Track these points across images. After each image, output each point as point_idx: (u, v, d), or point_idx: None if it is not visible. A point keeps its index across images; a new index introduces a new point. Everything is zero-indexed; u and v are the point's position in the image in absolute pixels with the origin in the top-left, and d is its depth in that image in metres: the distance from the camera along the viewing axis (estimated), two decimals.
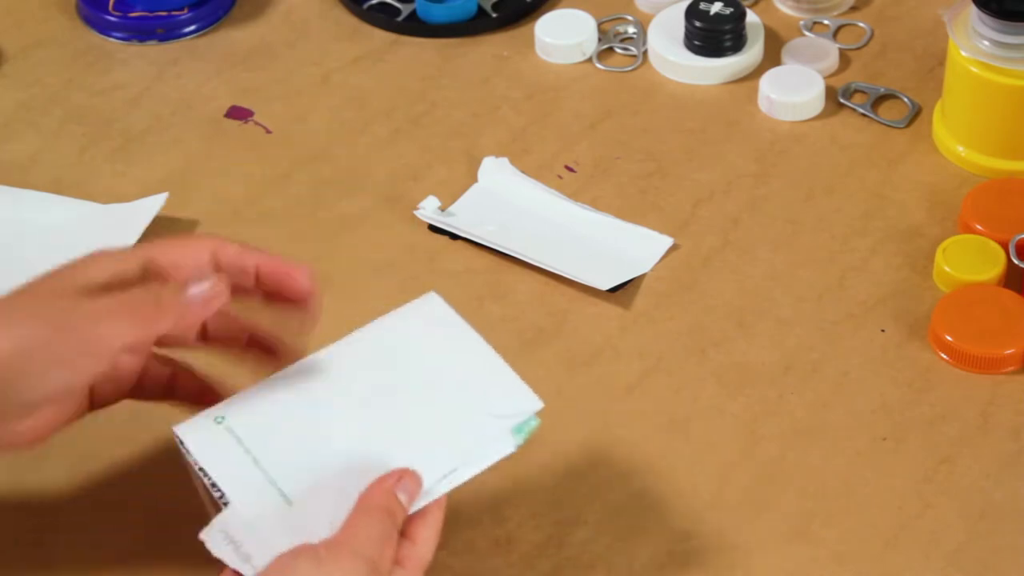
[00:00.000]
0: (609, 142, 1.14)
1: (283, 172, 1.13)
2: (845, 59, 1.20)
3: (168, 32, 1.24)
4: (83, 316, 0.81)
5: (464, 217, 1.09)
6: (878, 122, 1.15)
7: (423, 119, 1.17)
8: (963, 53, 1.08)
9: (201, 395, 0.88)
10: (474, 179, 1.12)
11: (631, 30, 1.23)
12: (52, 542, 0.91)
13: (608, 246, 1.07)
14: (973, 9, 1.06)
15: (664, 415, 0.97)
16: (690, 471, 0.94)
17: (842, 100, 1.16)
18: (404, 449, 0.83)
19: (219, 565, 0.80)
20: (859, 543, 0.90)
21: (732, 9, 1.18)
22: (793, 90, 1.15)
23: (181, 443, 0.84)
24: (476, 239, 1.07)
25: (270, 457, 0.83)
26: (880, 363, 0.99)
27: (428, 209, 1.09)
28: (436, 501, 0.82)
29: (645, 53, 1.21)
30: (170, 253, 0.85)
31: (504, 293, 1.04)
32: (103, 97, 1.20)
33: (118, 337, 0.81)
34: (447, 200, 1.10)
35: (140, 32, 1.24)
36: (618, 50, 1.22)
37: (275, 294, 0.87)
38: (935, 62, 1.18)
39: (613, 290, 1.03)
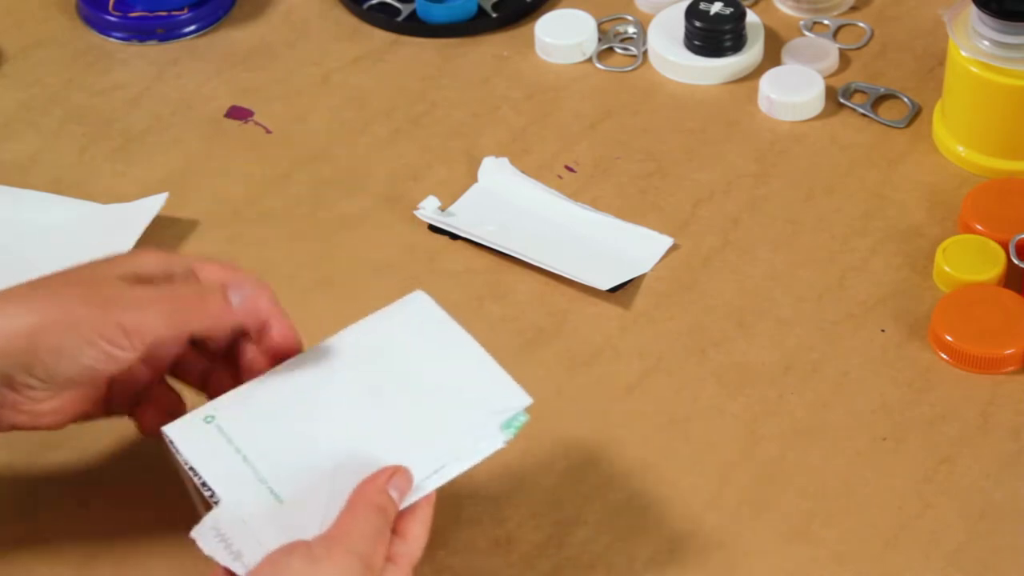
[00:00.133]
0: (609, 142, 1.14)
1: (283, 172, 1.13)
2: (845, 59, 1.20)
3: (168, 32, 1.24)
4: (123, 302, 0.82)
5: (464, 217, 1.09)
6: (878, 122, 1.15)
7: (423, 119, 1.17)
8: (963, 53, 1.08)
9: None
10: (474, 179, 1.12)
11: (631, 30, 1.23)
12: (41, 540, 0.91)
13: (608, 246, 1.07)
14: (973, 9, 1.06)
15: (664, 415, 0.97)
16: (690, 471, 0.94)
17: (842, 100, 1.16)
18: (394, 446, 0.84)
19: (211, 564, 0.80)
20: (859, 543, 0.90)
21: (732, 9, 1.18)
22: (793, 90, 1.15)
23: (171, 443, 0.84)
24: (476, 239, 1.07)
25: (260, 455, 0.83)
26: (880, 363, 0.99)
27: (428, 209, 1.09)
28: (426, 497, 0.83)
29: (645, 53, 1.21)
30: (210, 263, 0.87)
31: (504, 293, 1.04)
32: (103, 97, 1.20)
33: (153, 328, 0.82)
34: (447, 200, 1.10)
35: (140, 32, 1.24)
36: (618, 50, 1.22)
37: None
38: (935, 62, 1.18)
39: (613, 290, 1.03)
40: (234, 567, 0.80)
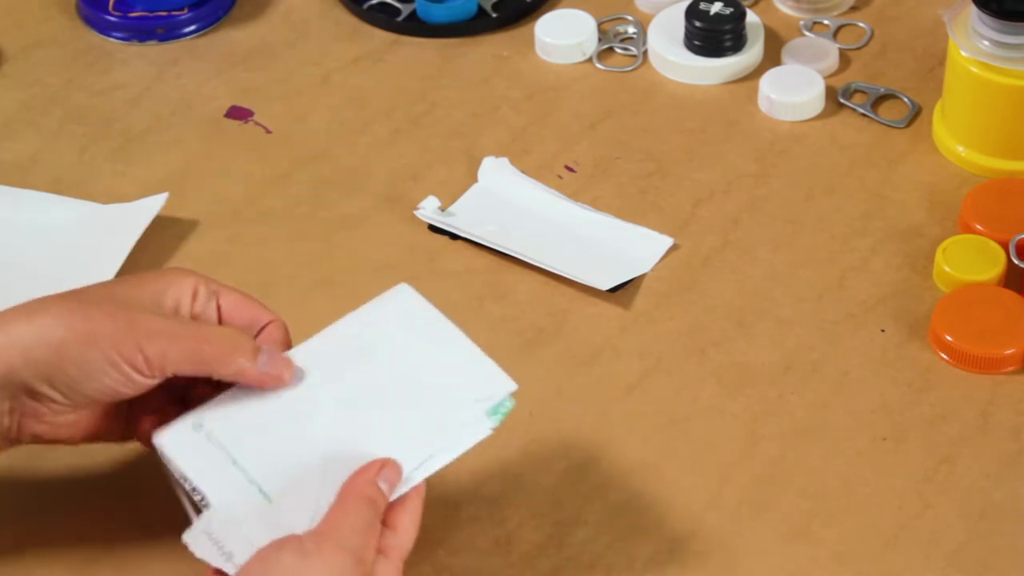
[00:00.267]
0: (609, 142, 1.14)
1: (283, 172, 1.13)
2: (845, 59, 1.20)
3: (168, 32, 1.24)
4: (149, 330, 0.83)
5: (464, 217, 1.09)
6: (878, 122, 1.15)
7: (423, 119, 1.17)
8: (963, 53, 1.08)
9: None
10: (474, 179, 1.12)
11: (631, 30, 1.23)
12: (41, 541, 0.91)
13: (608, 246, 1.07)
14: (973, 9, 1.06)
15: (664, 415, 0.97)
16: (690, 471, 0.94)
17: (842, 100, 1.16)
18: (381, 438, 0.84)
19: (204, 568, 0.80)
20: (859, 543, 0.90)
21: (732, 9, 1.18)
22: (793, 90, 1.15)
23: (161, 451, 0.84)
24: (476, 239, 1.07)
25: (249, 457, 0.83)
26: (880, 363, 0.99)
27: (428, 209, 1.09)
28: (415, 489, 0.83)
29: (645, 53, 1.21)
30: (233, 293, 0.88)
31: (504, 293, 1.04)
32: (103, 97, 1.20)
33: (173, 363, 0.84)
34: (447, 200, 1.10)
35: (140, 32, 1.24)
36: (618, 50, 1.22)
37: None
38: (935, 62, 1.18)
39: (613, 290, 1.03)
40: (226, 568, 0.80)
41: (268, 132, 1.16)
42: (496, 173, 1.12)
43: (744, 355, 1.00)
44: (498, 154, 1.13)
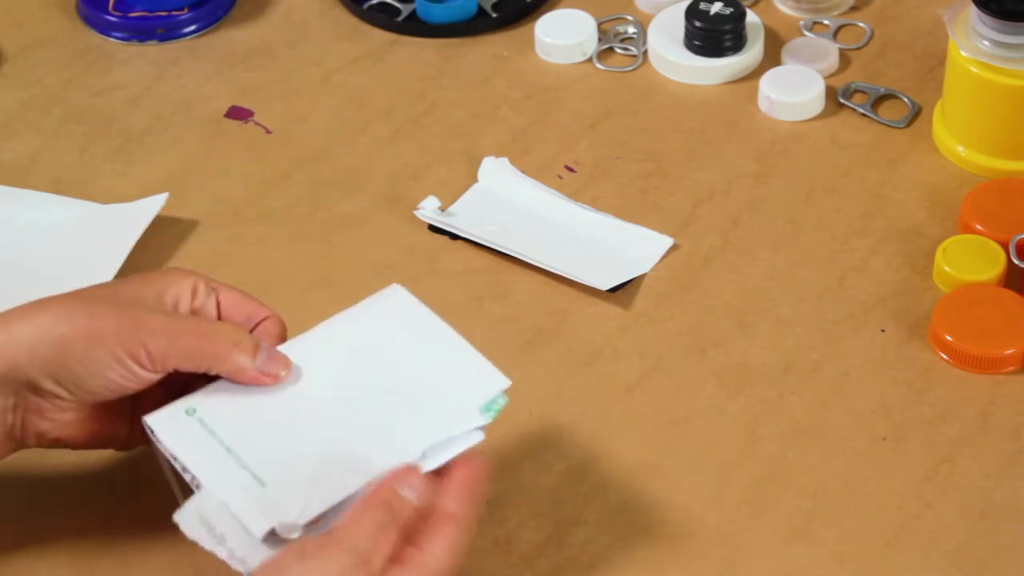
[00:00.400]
0: (609, 142, 1.14)
1: (283, 172, 1.13)
2: (845, 59, 1.20)
3: (168, 32, 1.24)
4: (152, 326, 0.84)
5: (464, 217, 1.09)
6: (878, 122, 1.15)
7: (423, 119, 1.17)
8: (963, 53, 1.08)
9: None
10: (474, 179, 1.12)
11: (631, 30, 1.23)
12: (41, 540, 0.91)
13: (608, 246, 1.07)
14: (973, 9, 1.06)
15: (664, 415, 0.97)
16: (690, 471, 0.94)
17: (842, 100, 1.16)
18: (374, 432, 0.84)
19: (208, 558, 0.80)
20: (859, 543, 0.90)
21: (732, 9, 1.18)
22: (793, 90, 1.15)
23: (152, 432, 0.84)
24: (476, 239, 1.07)
25: (242, 444, 0.84)
26: (880, 363, 0.99)
27: (428, 209, 1.09)
28: (451, 518, 0.81)
29: (645, 53, 1.21)
30: (232, 291, 0.89)
31: (504, 293, 1.04)
32: (103, 97, 1.20)
33: (175, 359, 0.84)
34: (447, 200, 1.10)
35: (140, 32, 1.24)
36: (618, 50, 1.22)
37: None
38: (935, 62, 1.18)
39: (613, 290, 1.03)
40: (218, 551, 0.80)
41: (268, 132, 1.16)
42: (496, 173, 1.12)
43: (744, 355, 1.00)
44: (498, 154, 1.13)
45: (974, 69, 1.08)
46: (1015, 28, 1.05)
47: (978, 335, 0.98)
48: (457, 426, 0.85)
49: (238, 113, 1.18)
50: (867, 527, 0.91)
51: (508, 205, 1.10)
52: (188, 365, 0.85)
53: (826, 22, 1.22)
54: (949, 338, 0.98)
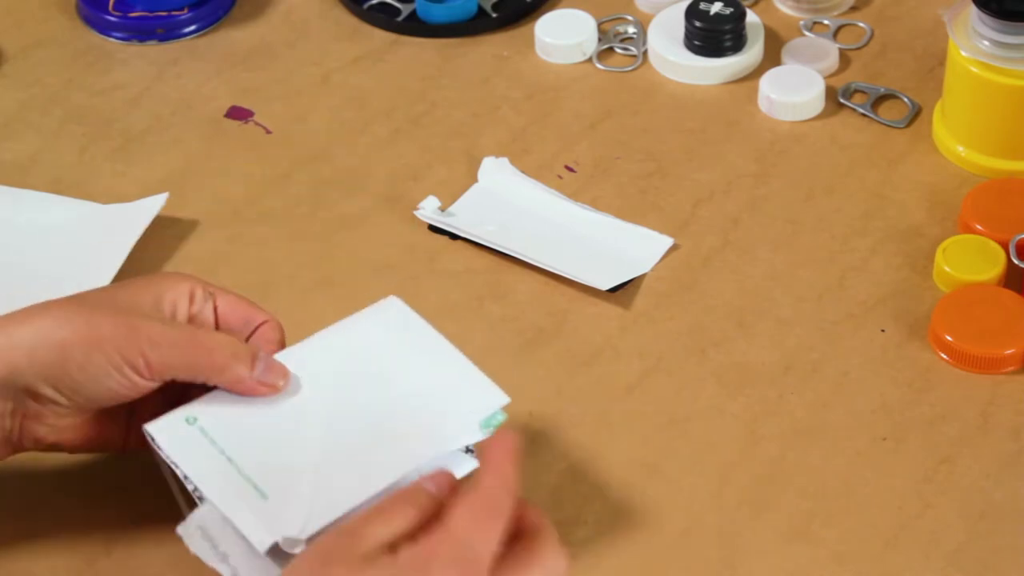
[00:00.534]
0: (609, 142, 1.14)
1: (283, 172, 1.13)
2: (845, 59, 1.20)
3: (168, 32, 1.24)
4: (150, 335, 0.84)
5: (464, 217, 1.09)
6: (878, 122, 1.15)
7: (423, 119, 1.17)
8: (963, 53, 1.08)
9: None
10: (474, 179, 1.12)
11: (631, 30, 1.23)
12: (41, 540, 0.91)
13: (608, 246, 1.07)
14: (973, 9, 1.06)
15: (664, 415, 0.97)
16: (690, 471, 0.94)
17: (842, 100, 1.16)
18: (374, 442, 0.84)
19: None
20: (859, 543, 0.90)
21: (732, 9, 1.18)
22: (793, 90, 1.15)
23: (153, 440, 0.84)
24: (476, 239, 1.07)
25: (243, 454, 0.84)
26: (880, 363, 0.99)
27: (428, 209, 1.09)
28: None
29: (645, 53, 1.21)
30: (229, 295, 0.89)
31: (504, 293, 1.04)
32: (103, 97, 1.20)
33: (172, 368, 0.85)
34: (447, 200, 1.10)
35: (140, 32, 1.24)
36: (618, 50, 1.22)
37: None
38: (935, 62, 1.18)
39: (613, 290, 1.03)
40: (220, 569, 0.80)
41: (268, 132, 1.16)
42: (496, 173, 1.12)
43: (744, 355, 1.00)
44: (498, 154, 1.13)
45: (974, 69, 1.08)
46: (1015, 28, 1.05)
47: (978, 335, 0.98)
48: (456, 441, 0.85)
49: (238, 113, 1.18)
50: (867, 527, 0.91)
51: (508, 205, 1.10)
52: (186, 375, 0.85)
53: (826, 22, 1.22)
54: (949, 338, 0.98)
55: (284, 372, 0.86)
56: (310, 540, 0.80)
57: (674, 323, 1.02)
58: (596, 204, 1.10)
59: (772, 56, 1.20)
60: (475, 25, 1.23)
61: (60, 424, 0.86)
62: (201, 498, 0.82)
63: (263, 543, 0.80)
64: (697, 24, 1.18)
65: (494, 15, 1.24)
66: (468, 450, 0.87)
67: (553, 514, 0.91)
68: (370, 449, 0.84)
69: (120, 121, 1.17)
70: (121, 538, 0.90)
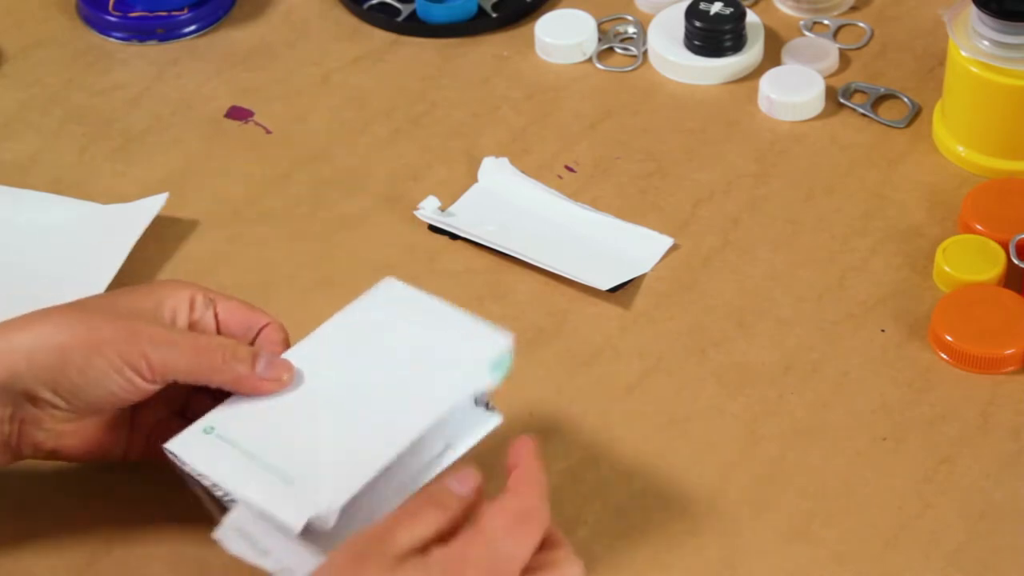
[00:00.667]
0: (609, 142, 1.14)
1: (283, 172, 1.13)
2: (845, 59, 1.20)
3: (168, 32, 1.24)
4: (151, 337, 0.84)
5: (464, 217, 1.09)
6: (878, 122, 1.15)
7: (423, 119, 1.17)
8: (963, 53, 1.08)
9: None
10: (474, 179, 1.12)
11: (631, 30, 1.23)
12: (41, 540, 0.91)
13: (608, 246, 1.07)
14: (973, 9, 1.06)
15: (664, 415, 0.97)
16: (690, 471, 0.94)
17: (842, 100, 1.16)
18: (390, 409, 0.85)
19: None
20: (859, 543, 0.90)
21: (732, 9, 1.18)
22: (793, 90, 1.15)
23: (175, 456, 0.84)
24: (476, 239, 1.07)
25: (263, 447, 0.84)
26: (880, 363, 0.99)
27: (428, 209, 1.09)
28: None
29: (645, 53, 1.21)
30: (230, 300, 0.89)
31: (504, 293, 1.04)
32: (103, 97, 1.20)
33: (175, 369, 0.85)
34: (447, 200, 1.10)
35: (140, 32, 1.24)
36: (618, 50, 1.22)
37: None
38: (935, 62, 1.18)
39: (613, 290, 1.03)
40: (264, 564, 0.80)
41: (268, 132, 1.16)
42: (496, 173, 1.12)
43: (744, 355, 1.00)
44: (498, 154, 1.13)
45: (974, 69, 1.08)
46: (1015, 28, 1.05)
47: (978, 335, 0.98)
48: (469, 386, 0.85)
49: (238, 113, 1.18)
50: (867, 527, 0.91)
51: (508, 205, 1.10)
52: (188, 376, 0.85)
53: (826, 22, 1.22)
54: (949, 338, 0.98)
55: (287, 366, 0.86)
56: (344, 511, 0.81)
57: (674, 323, 1.02)
58: (596, 204, 1.10)
59: (772, 56, 1.20)
60: (475, 25, 1.23)
61: (59, 429, 0.86)
62: (232, 501, 0.82)
63: (296, 523, 0.80)
64: (697, 24, 1.18)
65: (494, 15, 1.24)
66: (487, 406, 0.87)
67: (553, 514, 0.91)
68: (386, 413, 0.84)
69: (120, 121, 1.17)
70: (121, 538, 0.90)
